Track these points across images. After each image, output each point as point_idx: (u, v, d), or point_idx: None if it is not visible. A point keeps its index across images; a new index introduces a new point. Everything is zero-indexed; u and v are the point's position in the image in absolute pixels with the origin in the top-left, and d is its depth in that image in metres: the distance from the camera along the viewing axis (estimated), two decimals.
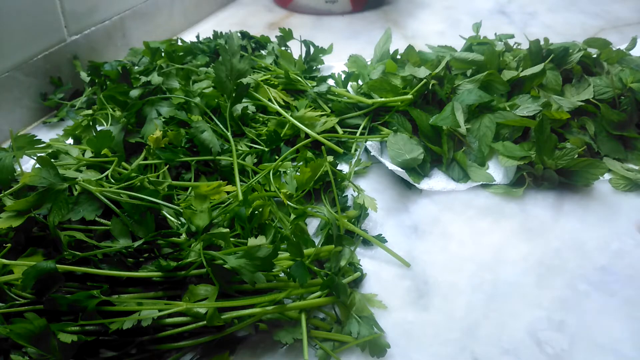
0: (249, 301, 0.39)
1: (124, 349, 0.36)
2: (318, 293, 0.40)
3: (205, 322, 0.37)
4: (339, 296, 0.40)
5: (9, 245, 0.39)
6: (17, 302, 0.36)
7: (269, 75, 0.64)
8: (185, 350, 0.39)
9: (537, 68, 0.61)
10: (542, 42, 0.65)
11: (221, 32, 0.77)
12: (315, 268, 0.41)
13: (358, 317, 0.40)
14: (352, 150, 0.58)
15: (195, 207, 0.44)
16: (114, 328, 0.35)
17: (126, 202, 0.42)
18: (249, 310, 0.38)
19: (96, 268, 0.38)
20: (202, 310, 0.37)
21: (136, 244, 0.40)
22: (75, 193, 0.43)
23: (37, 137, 0.50)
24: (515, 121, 0.56)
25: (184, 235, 0.42)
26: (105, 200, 0.42)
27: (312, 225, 0.48)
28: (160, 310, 0.36)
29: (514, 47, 0.72)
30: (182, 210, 0.44)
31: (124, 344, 0.37)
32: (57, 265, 0.36)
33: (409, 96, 0.59)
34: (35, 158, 0.49)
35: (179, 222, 0.43)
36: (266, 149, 0.55)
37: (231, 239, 0.41)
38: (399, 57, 0.69)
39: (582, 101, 0.58)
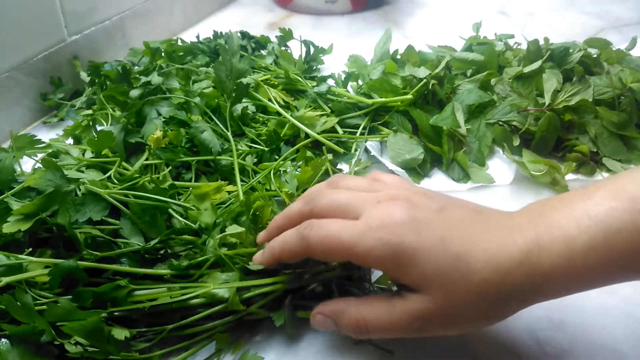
0: (271, 280, 0.39)
1: (153, 339, 0.37)
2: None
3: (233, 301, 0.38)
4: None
5: (29, 249, 0.39)
6: (38, 301, 0.36)
7: (269, 75, 0.64)
8: (211, 334, 0.39)
9: (535, 65, 0.61)
10: (542, 42, 0.65)
11: (221, 32, 0.77)
12: None
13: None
14: (352, 150, 0.58)
15: (197, 207, 0.44)
16: (148, 306, 0.36)
17: (134, 202, 0.42)
18: (270, 286, 0.39)
19: (117, 264, 0.39)
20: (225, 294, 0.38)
21: (153, 242, 0.41)
22: (80, 194, 0.43)
23: (37, 137, 0.50)
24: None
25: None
26: (115, 202, 0.42)
27: None
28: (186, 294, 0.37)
29: (514, 47, 0.72)
30: (192, 207, 0.44)
31: (154, 333, 0.37)
32: (82, 263, 0.37)
33: (409, 96, 0.59)
34: (35, 158, 0.49)
35: (185, 224, 0.44)
36: (266, 149, 0.55)
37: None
38: (399, 57, 0.69)
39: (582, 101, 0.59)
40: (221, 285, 0.38)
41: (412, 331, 0.34)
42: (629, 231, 0.30)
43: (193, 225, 0.43)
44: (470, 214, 0.35)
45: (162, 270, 0.39)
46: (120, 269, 0.39)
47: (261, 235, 0.40)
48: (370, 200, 0.35)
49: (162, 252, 0.42)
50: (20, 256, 0.38)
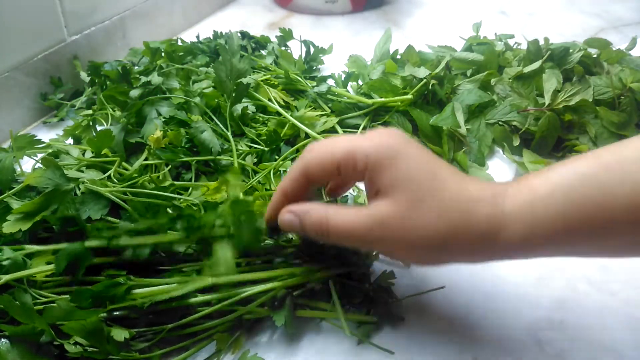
0: (272, 273, 0.39)
1: (153, 338, 0.37)
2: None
3: (232, 300, 0.38)
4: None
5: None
6: (38, 300, 0.36)
7: (269, 75, 0.64)
8: (210, 334, 0.39)
9: (535, 65, 0.61)
10: (542, 42, 0.65)
11: (221, 32, 0.77)
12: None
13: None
14: None
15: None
16: (148, 302, 0.36)
17: (136, 200, 0.42)
18: (270, 283, 0.39)
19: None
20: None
21: (158, 218, 0.40)
22: (79, 193, 0.43)
23: (37, 137, 0.50)
24: None
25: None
26: (116, 199, 0.42)
27: None
28: (188, 290, 0.37)
29: (514, 47, 0.72)
30: (195, 202, 0.44)
31: (154, 333, 0.37)
32: (89, 243, 0.38)
33: (409, 96, 0.59)
34: (35, 158, 0.49)
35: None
36: (266, 149, 0.55)
37: None
38: (399, 57, 0.69)
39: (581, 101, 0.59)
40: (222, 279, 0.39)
41: (370, 239, 0.34)
42: (591, 185, 0.31)
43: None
44: (467, 176, 0.36)
45: (175, 236, 0.39)
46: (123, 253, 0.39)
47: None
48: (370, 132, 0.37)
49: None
50: (27, 246, 0.38)
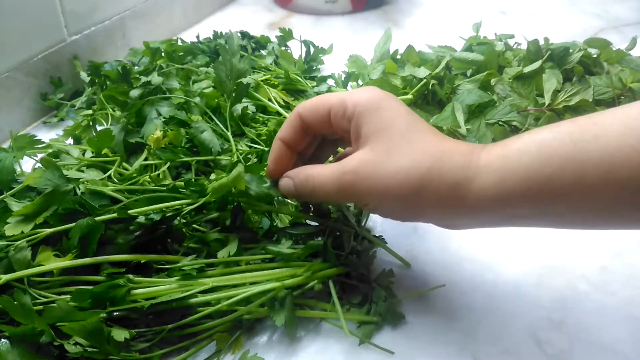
0: (272, 274, 0.40)
1: (153, 338, 0.37)
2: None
3: (232, 300, 0.38)
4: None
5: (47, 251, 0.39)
6: (38, 300, 0.36)
7: (269, 75, 0.64)
8: (211, 334, 0.39)
9: (535, 65, 0.61)
10: (542, 42, 0.65)
11: (221, 32, 0.77)
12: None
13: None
14: None
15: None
16: (147, 305, 0.36)
17: (138, 197, 0.42)
18: (270, 284, 0.39)
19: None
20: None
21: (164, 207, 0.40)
22: (79, 193, 0.43)
23: (37, 137, 0.50)
24: None
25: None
26: (119, 196, 0.42)
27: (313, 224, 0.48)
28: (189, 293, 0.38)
29: (514, 47, 0.72)
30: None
31: (154, 333, 0.38)
32: (99, 218, 0.38)
33: (409, 96, 0.59)
34: (35, 158, 0.49)
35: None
36: (266, 149, 0.55)
37: None
38: (399, 57, 0.69)
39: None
40: (221, 279, 0.39)
41: (343, 188, 0.35)
42: (563, 140, 0.31)
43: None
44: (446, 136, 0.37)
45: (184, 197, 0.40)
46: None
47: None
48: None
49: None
50: (39, 230, 0.39)
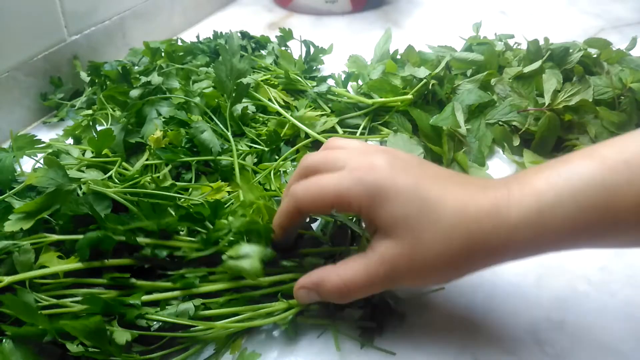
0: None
1: (155, 342, 0.37)
2: None
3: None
4: None
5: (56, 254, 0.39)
6: (41, 303, 0.36)
7: (269, 75, 0.64)
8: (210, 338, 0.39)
9: (535, 65, 0.61)
10: (542, 42, 0.65)
11: (221, 32, 0.77)
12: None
13: None
14: None
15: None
16: (153, 328, 0.36)
17: (142, 200, 0.42)
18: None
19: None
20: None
21: (168, 219, 0.40)
22: (81, 193, 0.43)
23: (37, 137, 0.50)
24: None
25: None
26: (121, 200, 0.42)
27: (313, 225, 0.48)
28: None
29: (514, 47, 0.72)
30: (199, 201, 0.44)
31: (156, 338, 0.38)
32: (108, 233, 0.38)
33: (409, 96, 0.59)
34: (35, 158, 0.49)
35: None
36: (266, 149, 0.55)
37: None
38: (399, 57, 0.69)
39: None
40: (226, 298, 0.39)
41: (387, 282, 0.35)
42: (596, 187, 0.31)
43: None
44: (449, 172, 0.37)
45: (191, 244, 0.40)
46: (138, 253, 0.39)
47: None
48: (356, 152, 0.37)
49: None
50: (47, 234, 0.39)
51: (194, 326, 0.38)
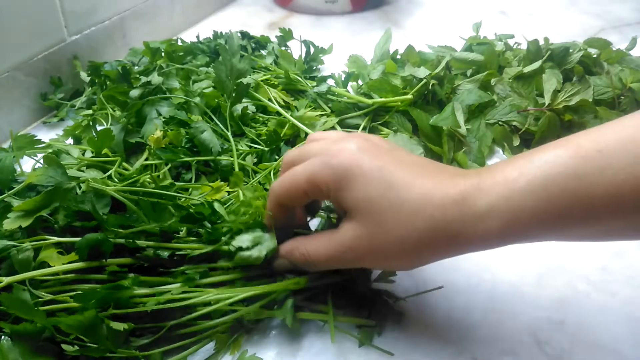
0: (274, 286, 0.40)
1: (153, 336, 0.37)
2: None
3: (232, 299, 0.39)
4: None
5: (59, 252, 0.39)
6: (41, 299, 0.36)
7: (269, 75, 0.64)
8: (209, 334, 0.39)
9: (535, 65, 0.61)
10: (542, 42, 0.65)
11: (221, 32, 0.77)
12: None
13: None
14: None
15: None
16: (149, 309, 0.36)
17: (142, 198, 0.42)
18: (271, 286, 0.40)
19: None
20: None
21: (170, 221, 0.41)
22: (80, 192, 0.43)
23: (37, 137, 0.50)
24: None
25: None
26: (121, 197, 0.42)
27: (312, 224, 0.48)
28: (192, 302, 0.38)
29: (514, 47, 0.72)
30: (199, 201, 0.44)
31: (154, 331, 0.38)
32: (107, 236, 0.38)
33: (409, 96, 0.59)
34: (35, 158, 0.49)
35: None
36: (266, 149, 0.55)
37: None
38: (399, 57, 0.69)
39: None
40: (224, 290, 0.39)
41: (348, 261, 0.36)
42: (569, 175, 0.30)
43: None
44: (423, 160, 0.36)
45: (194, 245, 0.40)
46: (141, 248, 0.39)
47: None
48: (331, 141, 0.37)
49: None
50: (47, 236, 0.39)
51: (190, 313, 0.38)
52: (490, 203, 0.31)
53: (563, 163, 0.30)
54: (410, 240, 0.33)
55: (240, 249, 0.39)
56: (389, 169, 0.34)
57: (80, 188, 0.43)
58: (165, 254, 0.39)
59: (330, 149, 0.36)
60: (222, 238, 0.40)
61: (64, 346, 0.34)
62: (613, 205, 0.30)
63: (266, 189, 0.50)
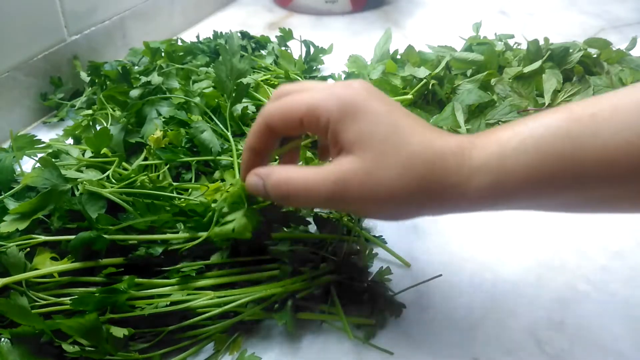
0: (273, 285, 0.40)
1: (153, 339, 0.38)
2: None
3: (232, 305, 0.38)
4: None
5: (27, 249, 0.39)
6: (37, 303, 0.36)
7: (269, 75, 0.64)
8: (209, 335, 0.39)
9: (535, 65, 0.61)
10: (542, 42, 0.65)
11: (221, 32, 0.77)
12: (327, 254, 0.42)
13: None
14: None
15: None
16: (147, 312, 0.36)
17: (136, 200, 0.42)
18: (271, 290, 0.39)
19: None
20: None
21: (162, 217, 0.40)
22: (77, 193, 0.43)
23: (37, 137, 0.50)
24: None
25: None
26: (115, 199, 0.42)
27: (312, 226, 0.48)
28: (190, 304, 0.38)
29: (514, 47, 0.72)
30: (196, 201, 0.44)
31: (154, 334, 0.38)
32: (100, 234, 0.38)
33: (409, 96, 0.59)
34: (35, 158, 0.49)
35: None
36: None
37: None
38: (399, 57, 0.69)
39: None
40: (223, 293, 0.38)
41: (333, 197, 0.33)
42: (561, 136, 0.30)
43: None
44: (422, 119, 0.35)
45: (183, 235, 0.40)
46: (136, 237, 0.39)
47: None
48: (333, 84, 0.36)
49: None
50: (35, 236, 0.39)
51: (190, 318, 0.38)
52: (483, 158, 0.31)
53: (556, 125, 0.31)
54: (406, 180, 0.32)
55: (221, 224, 0.37)
56: (396, 114, 0.33)
57: (77, 189, 0.43)
58: (159, 250, 0.39)
59: (336, 86, 0.34)
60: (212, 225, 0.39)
61: (64, 346, 0.34)
62: (603, 170, 0.30)
63: None
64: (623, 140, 0.29)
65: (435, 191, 0.32)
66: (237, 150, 0.53)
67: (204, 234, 0.39)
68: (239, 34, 0.77)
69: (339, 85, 0.34)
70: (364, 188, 0.32)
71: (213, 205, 0.42)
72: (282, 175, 0.34)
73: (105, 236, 0.38)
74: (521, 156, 0.31)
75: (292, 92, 0.36)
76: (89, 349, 0.34)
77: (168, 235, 0.40)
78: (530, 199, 0.32)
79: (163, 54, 0.70)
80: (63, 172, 0.43)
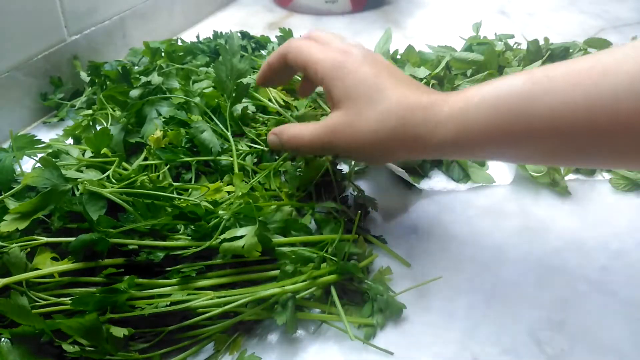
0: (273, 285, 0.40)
1: (153, 339, 0.38)
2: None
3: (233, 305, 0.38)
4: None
5: (27, 250, 0.39)
6: (38, 303, 0.36)
7: None
8: (209, 335, 0.39)
9: (535, 65, 0.61)
10: (542, 42, 0.65)
11: (221, 32, 0.77)
12: (328, 255, 0.42)
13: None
14: None
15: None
16: (148, 312, 0.37)
17: (137, 200, 0.42)
18: (272, 289, 0.40)
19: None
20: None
21: (161, 220, 0.41)
22: (78, 193, 0.43)
23: (37, 137, 0.50)
24: None
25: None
26: (115, 199, 0.42)
27: (312, 225, 0.48)
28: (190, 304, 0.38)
29: (514, 47, 0.72)
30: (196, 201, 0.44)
31: (154, 334, 0.38)
32: (101, 236, 0.38)
33: None
34: (35, 158, 0.49)
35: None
36: (266, 149, 0.55)
37: None
38: (399, 57, 0.69)
39: None
40: (223, 293, 0.38)
41: (327, 143, 0.41)
42: (517, 94, 0.34)
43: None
44: (411, 80, 0.42)
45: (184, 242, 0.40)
46: (137, 242, 0.39)
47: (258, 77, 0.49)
48: (349, 44, 0.44)
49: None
50: (37, 237, 0.39)
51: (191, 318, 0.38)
52: (449, 112, 0.37)
53: (515, 84, 0.35)
54: (381, 132, 0.39)
55: (226, 240, 0.39)
56: (382, 76, 0.40)
57: (78, 189, 0.43)
58: (160, 255, 0.39)
59: (339, 50, 0.42)
60: (214, 233, 0.40)
61: (64, 346, 0.34)
62: (550, 124, 0.33)
63: (266, 189, 0.50)
64: (570, 98, 0.33)
65: (404, 141, 0.39)
66: (237, 150, 0.53)
67: (206, 243, 0.40)
68: (239, 34, 0.76)
69: (341, 50, 0.42)
70: (347, 137, 0.40)
71: (215, 208, 0.42)
72: (291, 131, 0.44)
73: (108, 239, 0.38)
74: (481, 111, 0.36)
75: (316, 39, 0.44)
76: (89, 349, 0.34)
77: (171, 243, 0.40)
78: (491, 149, 0.37)
79: (163, 54, 0.70)
80: (63, 172, 0.43)
